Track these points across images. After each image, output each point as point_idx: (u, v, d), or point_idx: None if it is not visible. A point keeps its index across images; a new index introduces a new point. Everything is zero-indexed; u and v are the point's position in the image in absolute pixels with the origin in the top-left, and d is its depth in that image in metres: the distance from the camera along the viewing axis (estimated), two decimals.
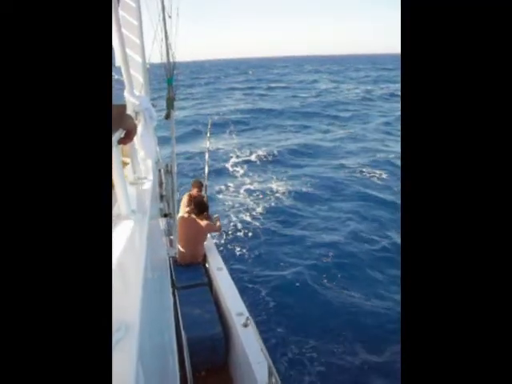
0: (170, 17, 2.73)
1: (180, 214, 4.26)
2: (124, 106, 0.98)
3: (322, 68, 71.66)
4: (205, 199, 4.59)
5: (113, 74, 0.86)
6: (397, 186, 8.72)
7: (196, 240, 4.20)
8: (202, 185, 4.94)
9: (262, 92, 31.94)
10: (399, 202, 7.12)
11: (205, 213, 4.36)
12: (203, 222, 4.26)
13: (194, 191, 4.68)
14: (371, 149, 12.56)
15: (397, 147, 11.83)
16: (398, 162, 10.23)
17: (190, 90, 35.43)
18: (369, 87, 34.05)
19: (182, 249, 4.06)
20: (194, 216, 4.24)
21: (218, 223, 4.56)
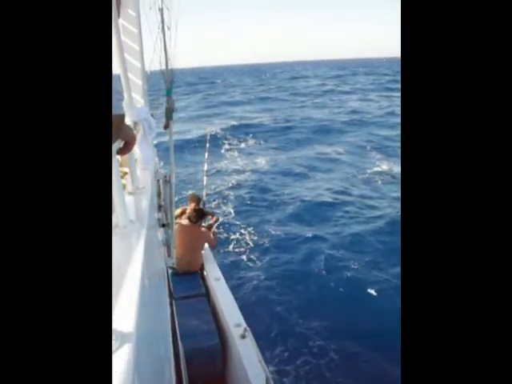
0: (169, 28, 2.76)
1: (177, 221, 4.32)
2: (122, 116, 0.98)
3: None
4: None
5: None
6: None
7: (194, 246, 4.23)
8: (199, 200, 4.94)
9: (271, 100, 30.76)
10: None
11: (202, 220, 4.47)
12: (201, 229, 4.32)
13: (192, 206, 4.69)
14: None
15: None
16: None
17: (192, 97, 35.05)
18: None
19: (179, 255, 4.07)
20: (191, 223, 4.30)
21: (214, 237, 4.66)
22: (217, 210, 8.41)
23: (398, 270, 5.49)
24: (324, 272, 5.89)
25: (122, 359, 0.67)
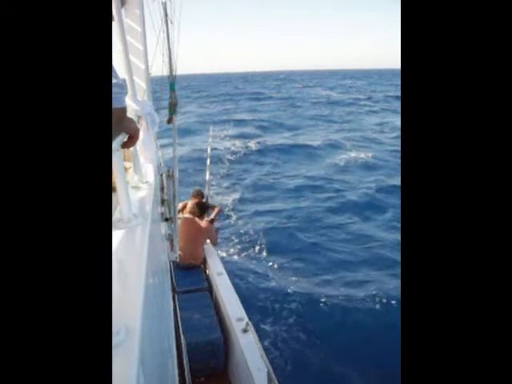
0: (171, 22, 2.75)
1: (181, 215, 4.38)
2: (124, 109, 0.98)
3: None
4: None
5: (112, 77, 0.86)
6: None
7: (196, 240, 4.28)
8: (202, 195, 4.94)
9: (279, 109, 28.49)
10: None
11: (205, 215, 4.54)
12: (203, 223, 4.36)
13: (194, 201, 4.71)
14: None
15: None
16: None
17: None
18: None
19: (181, 247, 4.09)
20: (194, 216, 4.38)
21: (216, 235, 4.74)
22: (220, 199, 8.40)
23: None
24: (328, 268, 5.90)
25: (126, 352, 0.67)
